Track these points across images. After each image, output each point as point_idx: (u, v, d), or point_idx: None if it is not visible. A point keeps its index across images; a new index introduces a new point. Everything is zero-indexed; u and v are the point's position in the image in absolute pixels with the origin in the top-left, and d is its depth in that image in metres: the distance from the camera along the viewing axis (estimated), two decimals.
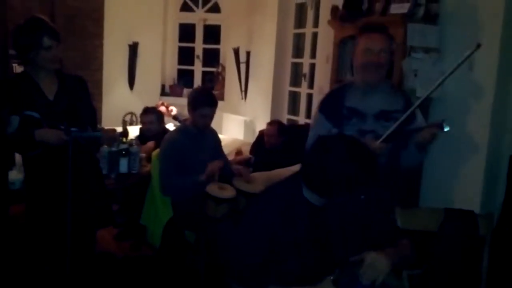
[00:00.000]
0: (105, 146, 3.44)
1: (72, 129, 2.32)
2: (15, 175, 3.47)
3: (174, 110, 5.94)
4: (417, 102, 2.37)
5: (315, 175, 1.68)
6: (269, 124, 4.58)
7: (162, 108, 5.51)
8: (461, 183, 3.11)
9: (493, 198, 2.97)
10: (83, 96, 2.56)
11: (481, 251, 2.24)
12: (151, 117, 4.43)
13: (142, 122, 4.53)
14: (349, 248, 1.70)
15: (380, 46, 2.44)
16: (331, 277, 1.63)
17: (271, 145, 4.42)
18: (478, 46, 2.12)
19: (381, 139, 2.33)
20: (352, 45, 3.65)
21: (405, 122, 2.36)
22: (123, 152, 3.56)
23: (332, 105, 2.56)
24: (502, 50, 2.87)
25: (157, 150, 3.39)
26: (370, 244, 1.68)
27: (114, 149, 3.53)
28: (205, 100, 3.11)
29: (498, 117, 2.94)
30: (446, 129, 2.23)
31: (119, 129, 3.53)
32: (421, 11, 3.18)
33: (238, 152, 4.77)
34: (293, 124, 5.38)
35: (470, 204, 2.78)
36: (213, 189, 2.97)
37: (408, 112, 2.34)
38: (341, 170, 1.62)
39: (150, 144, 4.13)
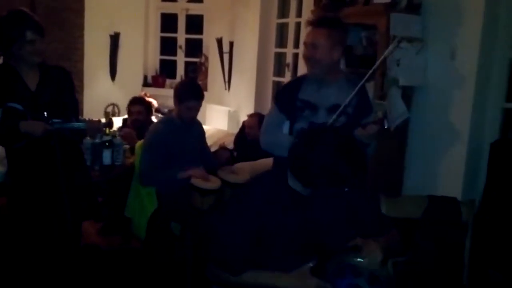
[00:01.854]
0: (88, 138, 3.40)
1: (56, 120, 2.30)
2: None
3: (155, 104, 5.83)
4: (350, 96, 2.29)
5: (301, 165, 1.69)
6: (250, 116, 4.59)
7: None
8: (443, 171, 3.15)
9: (474, 185, 3.03)
10: (66, 87, 2.54)
11: (463, 237, 2.29)
12: (140, 107, 4.31)
13: (130, 112, 4.38)
14: (337, 237, 1.72)
15: (311, 41, 2.42)
16: (310, 264, 1.63)
17: (253, 137, 4.42)
18: (399, 41, 2.13)
19: None
20: None
21: (360, 115, 2.35)
22: (106, 144, 3.52)
23: (286, 96, 2.57)
24: (484, 39, 2.90)
25: (141, 142, 3.36)
26: (358, 234, 1.69)
27: (97, 140, 3.49)
28: (192, 93, 3.09)
29: (480, 105, 2.98)
30: (386, 126, 2.23)
31: (103, 120, 3.49)
32: (404, 1, 3.20)
33: (222, 147, 4.74)
34: None
35: (453, 191, 2.82)
36: (198, 180, 2.96)
37: (345, 102, 2.28)
38: (327, 164, 1.62)
39: (128, 130, 4.06)
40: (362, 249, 1.61)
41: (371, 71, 2.32)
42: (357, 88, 2.29)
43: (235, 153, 4.45)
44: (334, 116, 2.31)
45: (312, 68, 2.46)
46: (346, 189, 1.71)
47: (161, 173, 3.06)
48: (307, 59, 2.47)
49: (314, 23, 2.46)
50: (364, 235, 1.69)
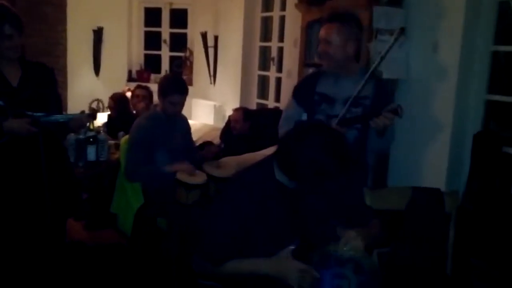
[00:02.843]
0: (72, 134, 3.37)
1: (39, 114, 2.28)
2: None
3: None
4: (359, 86, 2.35)
5: (288, 158, 1.70)
6: (234, 110, 4.60)
7: (129, 94, 5.44)
8: (427, 162, 3.18)
9: (458, 176, 3.06)
10: (48, 83, 2.51)
11: (447, 227, 2.31)
12: (144, 91, 4.56)
13: (135, 95, 4.58)
14: (321, 228, 1.73)
15: (324, 36, 2.48)
16: (292, 247, 1.66)
17: (238, 130, 4.43)
18: (402, 30, 2.19)
19: (336, 121, 2.35)
20: (319, 28, 3.70)
21: (378, 107, 2.36)
22: (91, 140, 3.49)
23: (304, 90, 2.62)
24: (466, 32, 2.92)
25: (126, 137, 3.34)
26: (342, 225, 1.71)
27: (81, 136, 3.47)
28: (175, 88, 3.08)
29: (462, 97, 3.01)
30: (401, 116, 2.22)
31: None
32: None
33: (208, 143, 4.71)
34: (259, 109, 5.39)
35: (436, 182, 2.85)
36: (183, 175, 2.96)
37: (355, 92, 2.34)
38: (313, 159, 1.63)
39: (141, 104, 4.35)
40: (342, 238, 1.62)
41: (377, 63, 2.37)
42: (364, 79, 2.33)
43: (222, 145, 4.45)
44: (345, 107, 2.36)
45: (327, 63, 2.53)
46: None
47: (146, 169, 3.04)
48: (321, 54, 2.52)
49: (327, 19, 2.52)
50: (348, 226, 1.71)
